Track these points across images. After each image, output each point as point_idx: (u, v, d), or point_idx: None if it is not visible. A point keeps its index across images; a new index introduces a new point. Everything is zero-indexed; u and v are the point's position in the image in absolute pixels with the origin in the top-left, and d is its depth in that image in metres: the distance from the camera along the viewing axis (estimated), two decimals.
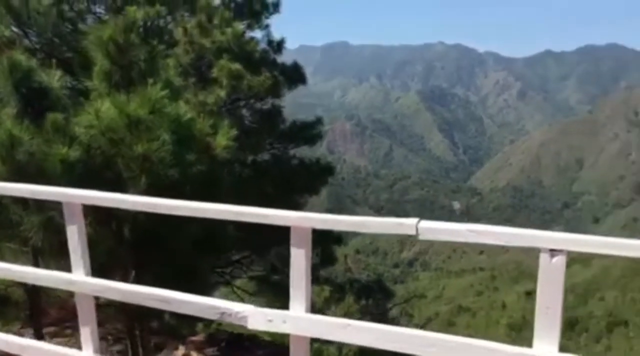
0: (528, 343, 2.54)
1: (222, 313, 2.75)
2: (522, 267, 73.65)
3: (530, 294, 61.93)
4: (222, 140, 5.05)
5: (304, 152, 12.83)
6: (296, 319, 2.64)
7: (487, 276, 79.24)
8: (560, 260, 2.26)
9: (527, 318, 56.93)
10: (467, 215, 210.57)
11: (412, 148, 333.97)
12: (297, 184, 11.86)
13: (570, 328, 50.33)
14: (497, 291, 73.40)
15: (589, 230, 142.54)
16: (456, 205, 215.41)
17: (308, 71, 12.96)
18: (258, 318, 2.68)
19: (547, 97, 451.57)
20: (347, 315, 11.51)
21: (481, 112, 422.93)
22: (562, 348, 2.35)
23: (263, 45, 11.83)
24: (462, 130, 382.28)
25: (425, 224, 2.44)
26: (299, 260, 2.62)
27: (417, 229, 2.41)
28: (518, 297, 63.56)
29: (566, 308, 2.47)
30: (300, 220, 2.63)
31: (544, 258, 2.28)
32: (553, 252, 2.26)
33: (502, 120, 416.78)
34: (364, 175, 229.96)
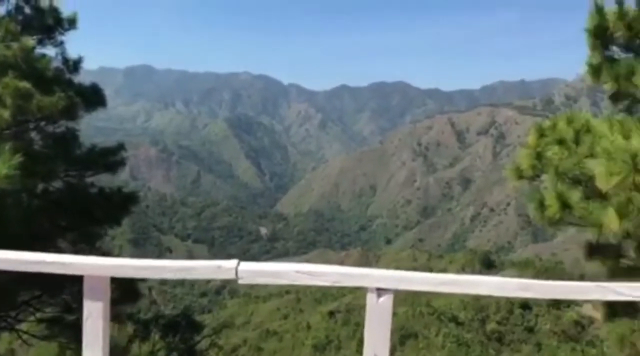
0: None
1: None
2: (323, 288, 77.29)
3: (333, 314, 65.11)
4: (2, 168, 4.34)
5: (104, 179, 11.88)
6: None
7: (293, 299, 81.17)
8: (387, 300, 2.19)
9: (330, 338, 59.59)
10: (273, 240, 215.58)
11: (220, 175, 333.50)
12: (95, 215, 10.85)
13: None
14: (302, 313, 75.53)
15: (383, 251, 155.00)
16: (263, 231, 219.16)
17: (108, 93, 12.05)
18: None
19: (344, 128, 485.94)
20: (153, 353, 10.83)
21: (285, 141, 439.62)
22: None
23: (57, 64, 10.75)
24: (268, 157, 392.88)
25: (246, 266, 2.20)
26: (95, 316, 2.16)
27: (236, 272, 2.17)
28: (322, 317, 66.11)
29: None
30: (96, 268, 2.19)
31: (370, 298, 2.18)
32: (380, 291, 2.18)
33: (305, 149, 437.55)
34: (170, 202, 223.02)
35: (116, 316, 11.51)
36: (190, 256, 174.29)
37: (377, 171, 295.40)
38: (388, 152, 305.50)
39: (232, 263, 2.19)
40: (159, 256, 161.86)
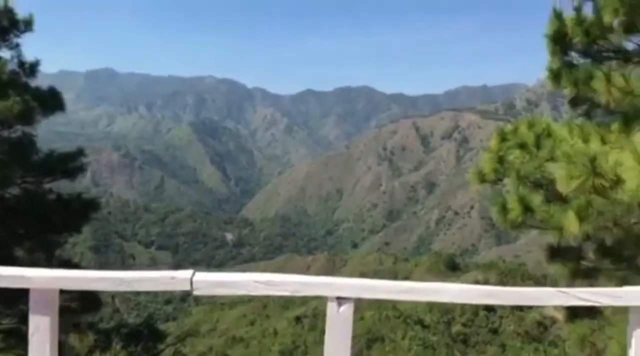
0: None
1: None
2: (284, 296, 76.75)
3: (300, 319, 64.97)
4: None
5: (64, 185, 11.57)
6: None
7: (259, 305, 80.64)
8: (348, 309, 2.15)
9: (297, 343, 59.42)
10: (239, 246, 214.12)
11: (184, 180, 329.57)
12: (53, 222, 10.56)
13: None
14: (268, 319, 75.16)
15: (349, 255, 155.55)
16: (229, 236, 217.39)
17: (69, 97, 11.75)
18: None
19: (310, 133, 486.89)
20: None
21: (251, 145, 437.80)
22: None
23: (13, 67, 10.43)
24: (233, 162, 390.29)
25: (202, 276, 2.12)
26: (42, 331, 2.06)
27: (191, 283, 2.07)
28: (288, 323, 65.90)
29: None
30: (42, 280, 2.10)
31: (331, 307, 2.15)
32: (340, 300, 2.14)
33: (271, 153, 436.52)
34: (133, 208, 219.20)
35: (76, 326, 11.19)
36: (154, 263, 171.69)
37: (343, 175, 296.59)
38: (354, 156, 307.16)
39: (187, 273, 2.11)
40: (122, 263, 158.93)
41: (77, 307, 10.49)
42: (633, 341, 2.23)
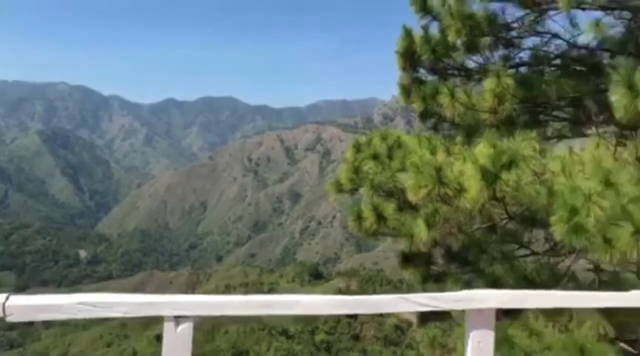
0: None
1: None
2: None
3: (161, 337, 62.56)
4: None
5: None
6: None
7: (117, 325, 76.46)
8: (187, 329, 1.98)
9: None
10: (95, 263, 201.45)
11: (32, 194, 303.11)
12: None
13: None
14: (127, 339, 71.65)
15: (214, 268, 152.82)
16: (83, 254, 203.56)
17: None
18: None
19: (172, 143, 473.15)
20: None
21: (107, 156, 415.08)
22: None
23: None
24: (88, 174, 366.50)
25: (17, 300, 1.82)
26: None
27: (4, 308, 1.79)
28: (149, 342, 63.22)
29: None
30: None
31: (168, 327, 1.98)
32: (178, 320, 1.98)
33: (129, 164, 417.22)
34: None
35: None
36: None
37: (208, 187, 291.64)
38: (218, 167, 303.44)
39: (0, 297, 1.85)
40: None
41: None
42: (469, 341, 2.32)
